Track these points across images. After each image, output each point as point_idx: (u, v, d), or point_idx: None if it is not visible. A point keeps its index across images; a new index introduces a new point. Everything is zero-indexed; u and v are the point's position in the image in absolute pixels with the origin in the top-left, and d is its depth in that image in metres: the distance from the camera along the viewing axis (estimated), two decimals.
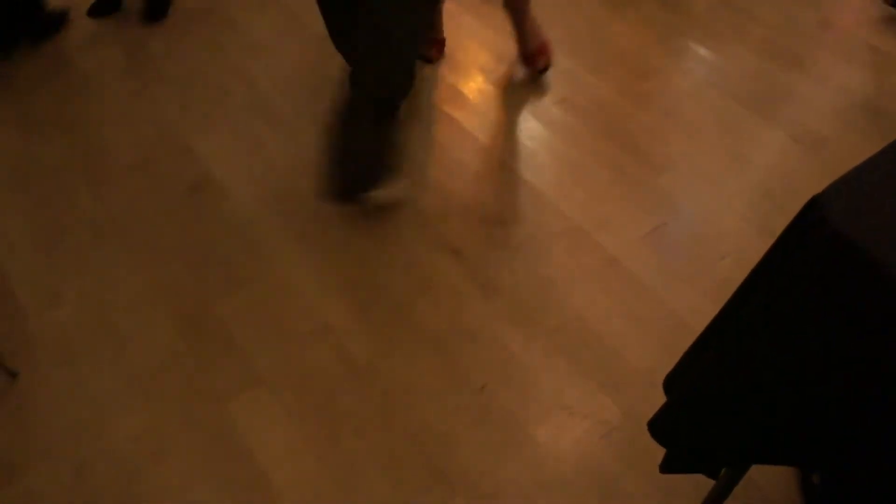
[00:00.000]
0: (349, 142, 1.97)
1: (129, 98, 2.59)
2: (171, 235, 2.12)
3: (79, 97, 2.60)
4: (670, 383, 1.32)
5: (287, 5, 2.98)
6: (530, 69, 2.64)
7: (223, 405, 1.76)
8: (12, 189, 2.28)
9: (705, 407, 1.17)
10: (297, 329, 1.90)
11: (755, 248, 2.09)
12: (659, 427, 1.25)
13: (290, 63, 2.71)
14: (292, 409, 1.75)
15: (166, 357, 1.86)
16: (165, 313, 1.93)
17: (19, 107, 2.57)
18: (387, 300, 1.96)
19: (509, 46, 2.71)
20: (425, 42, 2.62)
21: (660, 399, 1.66)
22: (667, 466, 1.30)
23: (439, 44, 2.71)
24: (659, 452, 1.62)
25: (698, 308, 1.96)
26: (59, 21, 2.96)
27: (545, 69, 2.64)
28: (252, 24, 2.90)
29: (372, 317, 1.92)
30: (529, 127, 2.47)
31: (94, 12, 2.99)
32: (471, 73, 2.67)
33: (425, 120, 2.48)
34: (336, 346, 1.87)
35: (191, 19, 2.95)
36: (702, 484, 1.59)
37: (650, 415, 1.37)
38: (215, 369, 1.83)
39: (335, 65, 2.67)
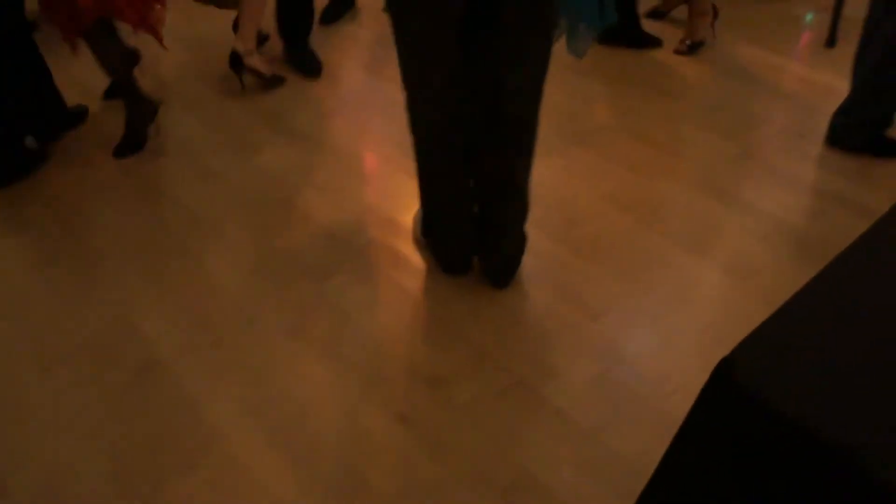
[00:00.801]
0: None
1: (71, 277, 2.61)
2: (119, 420, 2.10)
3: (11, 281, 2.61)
4: None
5: (228, 179, 3.06)
6: None
7: None
8: None
9: None
10: None
11: (700, 383, 2.11)
12: None
13: (233, 238, 2.75)
14: None
15: None
16: (119, 500, 1.90)
17: None
18: (336, 467, 1.95)
19: None
20: None
21: None
22: None
23: None
24: None
25: (649, 450, 1.96)
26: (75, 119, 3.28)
27: None
28: (196, 198, 2.97)
29: (325, 488, 1.90)
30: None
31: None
32: (408, 235, 2.73)
33: (368, 282, 2.52)
34: None
35: (134, 196, 3.00)
36: None
37: None
38: None
39: (283, 239, 2.73)
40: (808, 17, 4.56)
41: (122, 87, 3.26)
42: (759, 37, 4.16)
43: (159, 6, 3.06)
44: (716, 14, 4.03)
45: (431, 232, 2.55)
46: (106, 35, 3.08)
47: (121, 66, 3.20)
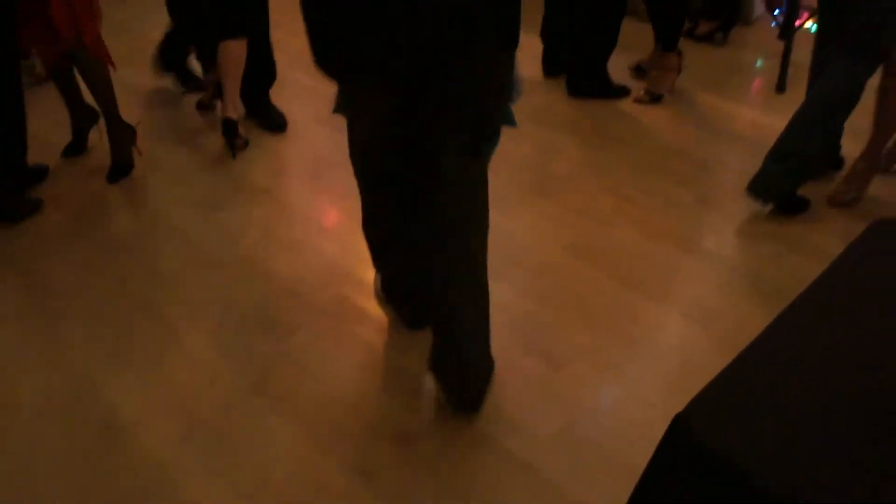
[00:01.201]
0: None
1: (32, 337, 2.58)
2: (81, 483, 2.07)
3: None
4: None
5: (189, 236, 3.05)
6: None
7: None
8: None
9: None
10: None
11: (662, 433, 2.13)
12: None
13: (195, 295, 2.74)
14: None
15: None
16: None
17: None
18: None
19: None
20: None
21: None
22: None
23: None
24: None
25: (617, 501, 1.97)
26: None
27: None
28: (157, 255, 2.95)
29: None
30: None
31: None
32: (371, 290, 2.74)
33: (331, 337, 2.52)
34: None
35: (94, 252, 2.98)
36: None
37: None
38: None
39: (245, 295, 2.72)
40: (759, 63, 4.67)
41: (108, 114, 3.39)
42: (713, 83, 4.25)
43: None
44: (680, 69, 4.10)
45: (389, 289, 2.52)
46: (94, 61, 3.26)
47: (109, 92, 3.34)
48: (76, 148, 3.65)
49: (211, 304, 2.69)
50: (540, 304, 2.65)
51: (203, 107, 4.09)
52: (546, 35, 4.29)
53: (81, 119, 3.62)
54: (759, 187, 3.09)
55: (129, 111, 3.59)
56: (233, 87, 3.55)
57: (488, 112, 1.92)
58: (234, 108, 3.55)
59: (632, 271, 2.80)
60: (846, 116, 2.98)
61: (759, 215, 3.11)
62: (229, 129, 3.54)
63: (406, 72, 1.79)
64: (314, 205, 3.25)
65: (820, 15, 3.15)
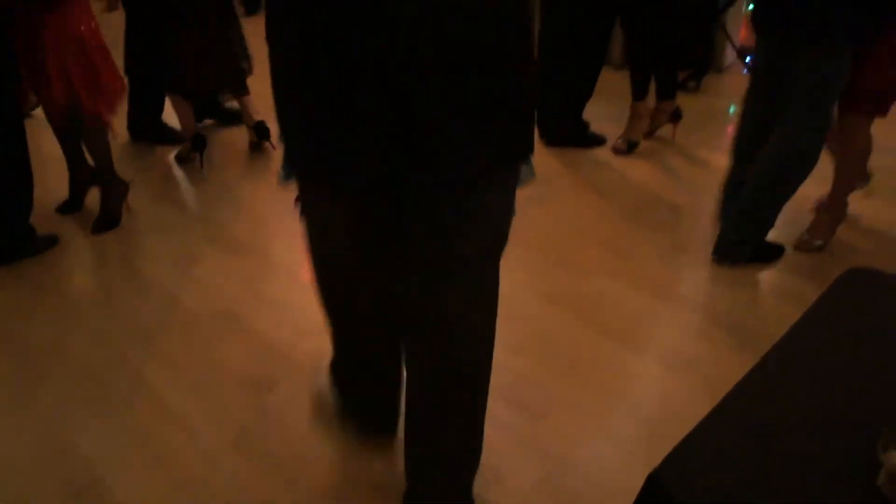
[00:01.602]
0: None
1: (6, 394, 2.55)
2: None
3: None
4: None
5: (168, 291, 3.04)
6: None
7: None
8: None
9: None
10: None
11: (642, 483, 2.13)
12: None
13: (173, 352, 2.73)
14: None
15: None
16: None
17: None
18: None
19: None
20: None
21: None
22: None
23: None
24: None
25: None
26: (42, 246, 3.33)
27: None
28: (135, 311, 2.94)
29: None
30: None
31: None
32: None
33: (309, 393, 2.51)
34: None
35: (71, 308, 2.97)
36: None
37: None
38: None
39: (223, 352, 2.71)
40: (731, 109, 4.75)
41: (103, 170, 3.48)
42: (687, 130, 4.32)
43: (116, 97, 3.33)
44: (678, 116, 4.15)
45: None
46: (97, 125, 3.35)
47: (106, 153, 3.44)
48: (73, 205, 3.67)
49: (189, 360, 2.67)
50: (518, 355, 2.65)
51: (182, 160, 4.12)
52: None
53: (82, 177, 3.64)
54: (723, 253, 3.14)
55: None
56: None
57: (504, 231, 1.69)
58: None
59: (610, 320, 2.82)
60: (804, 179, 3.00)
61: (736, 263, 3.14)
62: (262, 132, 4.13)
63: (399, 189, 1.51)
64: (293, 259, 3.25)
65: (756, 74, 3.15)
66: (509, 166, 1.58)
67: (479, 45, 1.33)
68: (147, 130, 4.33)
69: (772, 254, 3.19)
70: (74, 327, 2.86)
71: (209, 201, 3.74)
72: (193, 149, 4.00)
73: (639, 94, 4.06)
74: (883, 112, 2.98)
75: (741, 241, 3.10)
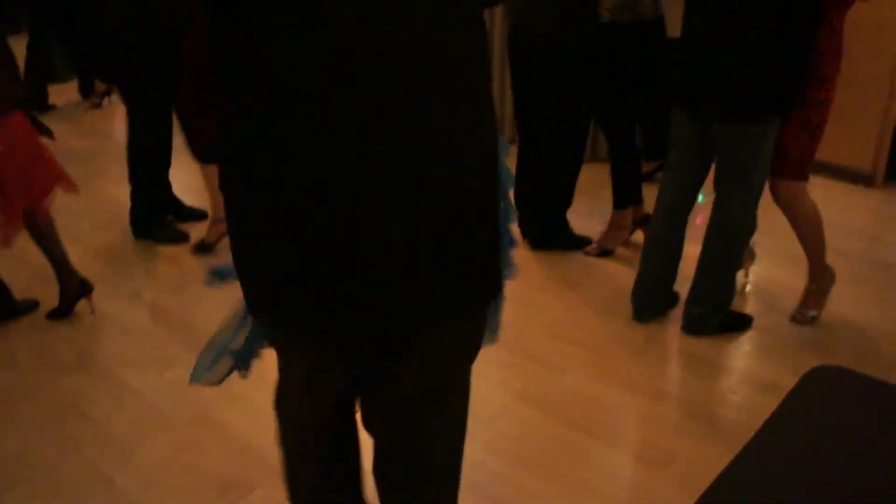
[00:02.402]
0: None
1: None
2: None
3: None
4: None
5: (146, 398, 3.01)
6: None
7: None
8: None
9: None
10: None
11: None
12: None
13: (147, 457, 2.70)
14: None
15: None
16: None
17: None
18: None
19: None
20: None
21: None
22: None
23: None
24: None
25: None
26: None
27: None
28: (107, 417, 2.91)
29: None
30: None
31: None
32: None
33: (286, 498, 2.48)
34: None
35: (43, 415, 2.93)
36: None
37: None
38: None
39: (198, 456, 2.68)
40: (701, 198, 4.84)
41: (62, 266, 3.52)
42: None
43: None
44: (646, 221, 4.21)
45: None
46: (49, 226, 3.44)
47: (61, 249, 3.51)
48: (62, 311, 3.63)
49: (165, 467, 2.64)
50: (492, 454, 2.64)
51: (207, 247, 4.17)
52: None
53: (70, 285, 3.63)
54: (692, 328, 3.26)
55: (87, 267, 3.61)
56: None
57: (472, 356, 1.77)
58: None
59: (585, 416, 2.83)
60: (746, 244, 3.25)
61: (710, 351, 3.18)
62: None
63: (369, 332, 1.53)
64: (269, 363, 3.24)
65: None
66: (480, 305, 1.60)
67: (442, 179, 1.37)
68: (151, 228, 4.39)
69: (739, 323, 3.27)
70: (44, 434, 2.82)
71: (178, 298, 3.74)
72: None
73: (619, 201, 4.11)
74: (804, 177, 3.13)
75: (704, 314, 3.21)
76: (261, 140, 1.32)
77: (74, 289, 3.55)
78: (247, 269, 1.49)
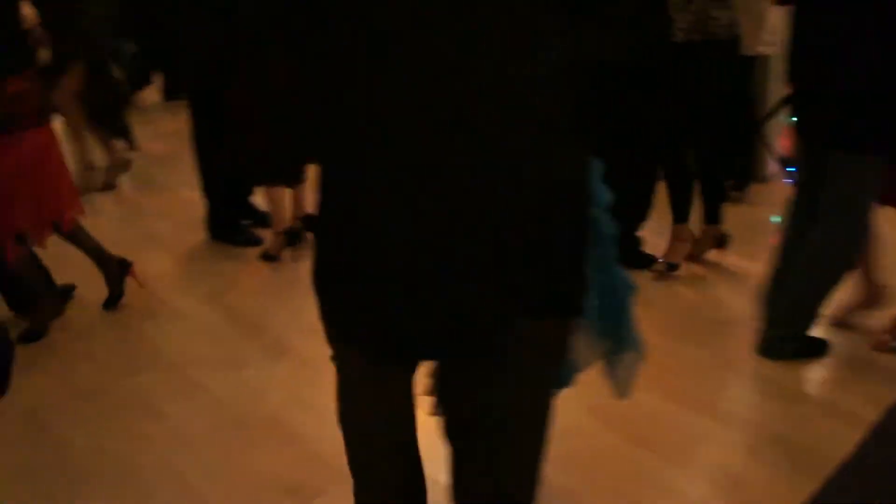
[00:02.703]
0: None
1: (45, 498, 2.56)
2: None
3: None
4: None
5: (218, 398, 3.06)
6: None
7: None
8: None
9: None
10: None
11: None
12: None
13: (217, 457, 2.74)
14: None
15: None
16: None
17: None
18: None
19: None
20: None
21: None
22: None
23: None
24: None
25: None
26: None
27: None
28: (179, 415, 2.96)
29: None
30: None
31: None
32: None
33: None
34: None
35: (118, 410, 3.00)
36: None
37: None
38: None
39: (267, 458, 2.71)
40: (774, 219, 4.75)
41: (98, 255, 3.67)
42: (730, 241, 4.31)
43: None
44: (723, 241, 4.16)
45: None
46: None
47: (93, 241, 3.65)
48: (114, 295, 3.76)
49: (234, 466, 2.68)
50: (560, 470, 2.61)
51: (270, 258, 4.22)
52: None
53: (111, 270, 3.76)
54: (768, 351, 3.17)
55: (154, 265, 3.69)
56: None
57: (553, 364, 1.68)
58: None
59: (655, 436, 2.78)
60: (844, 275, 3.09)
61: (786, 376, 3.10)
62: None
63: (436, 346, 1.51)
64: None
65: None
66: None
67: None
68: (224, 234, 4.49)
69: (816, 349, 3.18)
70: (119, 429, 2.89)
71: (262, 304, 3.80)
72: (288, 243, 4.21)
73: (680, 215, 4.05)
74: None
75: (783, 338, 3.12)
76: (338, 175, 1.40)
77: (116, 271, 3.67)
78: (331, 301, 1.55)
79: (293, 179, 4.13)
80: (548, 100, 1.34)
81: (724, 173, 4.47)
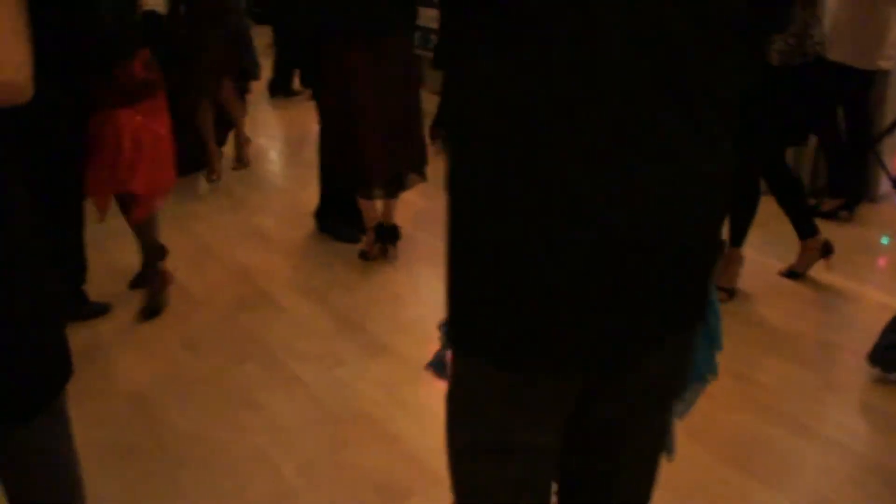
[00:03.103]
0: None
1: (151, 478, 2.66)
2: None
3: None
4: None
5: (315, 392, 3.13)
6: None
7: None
8: None
9: None
10: None
11: None
12: None
13: (310, 448, 2.79)
14: None
15: None
16: None
17: None
18: None
19: None
20: None
21: None
22: None
23: None
24: None
25: None
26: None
27: None
28: (276, 407, 3.03)
29: None
30: None
31: None
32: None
33: None
34: None
35: (218, 399, 3.10)
36: None
37: None
38: None
39: (359, 454, 2.75)
40: (885, 240, 4.59)
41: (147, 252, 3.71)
42: (837, 262, 4.16)
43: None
44: (829, 250, 4.04)
45: None
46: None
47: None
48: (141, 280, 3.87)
49: (327, 461, 2.73)
50: (656, 490, 2.58)
51: (365, 256, 4.28)
52: None
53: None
54: (877, 358, 3.06)
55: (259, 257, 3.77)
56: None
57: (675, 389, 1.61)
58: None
59: (751, 457, 2.71)
60: None
61: (891, 405, 2.99)
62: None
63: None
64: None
65: None
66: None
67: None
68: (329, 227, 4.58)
69: None
70: (218, 418, 2.97)
71: (360, 301, 3.86)
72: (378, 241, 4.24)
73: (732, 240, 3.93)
74: None
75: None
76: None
77: (159, 253, 3.71)
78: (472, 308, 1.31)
79: (397, 189, 4.15)
80: (731, 101, 1.27)
81: (831, 191, 4.33)
